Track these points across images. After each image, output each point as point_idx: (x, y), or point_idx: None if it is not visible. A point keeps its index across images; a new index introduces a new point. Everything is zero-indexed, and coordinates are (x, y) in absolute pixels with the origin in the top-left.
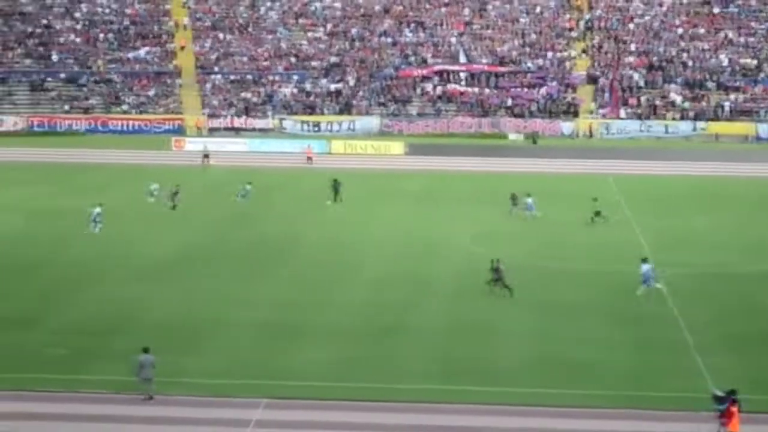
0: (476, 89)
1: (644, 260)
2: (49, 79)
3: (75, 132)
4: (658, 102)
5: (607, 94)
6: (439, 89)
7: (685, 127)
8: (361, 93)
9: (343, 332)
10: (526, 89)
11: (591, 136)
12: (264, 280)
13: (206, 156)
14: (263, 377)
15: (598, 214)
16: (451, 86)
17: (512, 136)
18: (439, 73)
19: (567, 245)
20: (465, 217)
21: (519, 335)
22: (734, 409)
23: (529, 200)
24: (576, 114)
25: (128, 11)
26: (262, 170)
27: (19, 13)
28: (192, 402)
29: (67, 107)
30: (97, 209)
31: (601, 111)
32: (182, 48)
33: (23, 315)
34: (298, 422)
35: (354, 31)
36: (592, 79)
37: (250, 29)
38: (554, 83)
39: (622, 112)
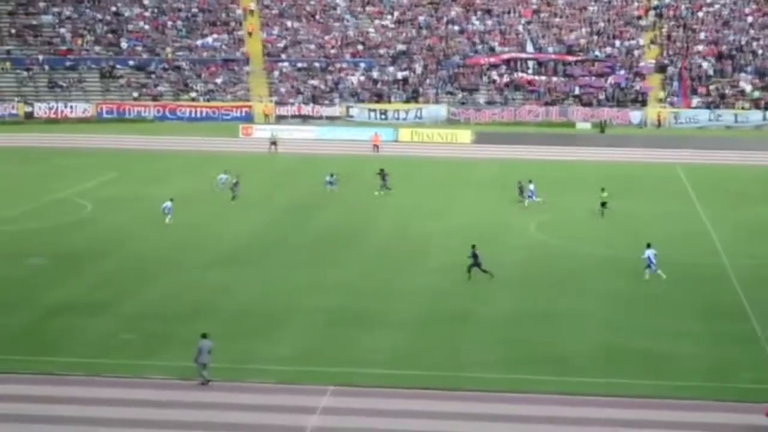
0: (544, 78)
1: (648, 246)
2: (119, 66)
3: (144, 119)
4: (727, 91)
5: (676, 83)
6: (506, 77)
7: (755, 116)
8: (428, 81)
9: (409, 320)
10: (594, 78)
11: (659, 125)
12: (333, 268)
13: (274, 143)
14: (331, 364)
15: (604, 204)
16: (519, 74)
17: (580, 125)
18: (507, 61)
19: (633, 234)
20: (532, 205)
21: (586, 324)
22: None
23: (531, 186)
24: (645, 103)
25: None
26: (329, 158)
27: (90, 0)
28: (260, 389)
29: (136, 94)
30: (168, 203)
31: (669, 100)
32: (250, 34)
33: (95, 301)
34: (364, 409)
35: (422, 18)
36: (661, 68)
37: (317, 17)
38: (623, 72)
39: (692, 101)
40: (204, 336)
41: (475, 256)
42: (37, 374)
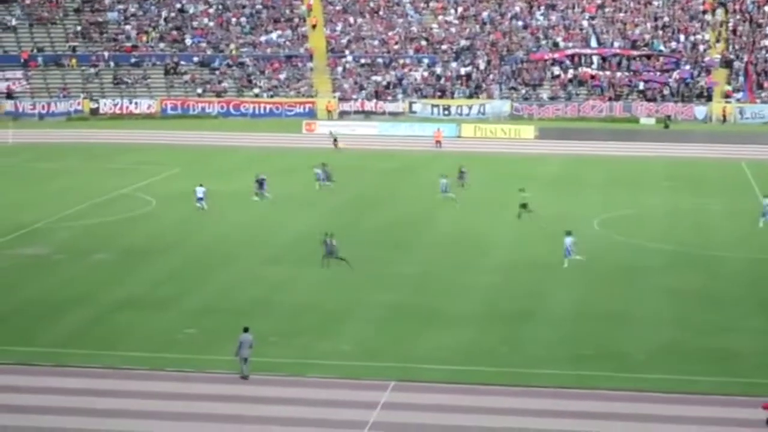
0: (608, 73)
1: (568, 233)
2: (183, 62)
3: (207, 115)
4: None
5: (741, 78)
6: (570, 73)
7: None
8: (491, 76)
9: (472, 316)
10: (658, 73)
11: (725, 120)
12: (395, 264)
13: (335, 140)
14: (392, 359)
15: (524, 206)
16: (582, 70)
17: (644, 120)
18: (571, 56)
19: (698, 230)
20: (595, 201)
21: (652, 321)
22: None
23: (444, 181)
24: (710, 98)
25: None
26: (391, 154)
27: None
28: (322, 383)
29: (199, 91)
30: (201, 189)
31: (735, 95)
32: (314, 27)
33: (157, 296)
34: (425, 405)
35: (485, 14)
36: (727, 63)
37: (381, 13)
38: (687, 66)
39: (758, 96)
40: (246, 330)
41: (326, 243)
42: (101, 368)
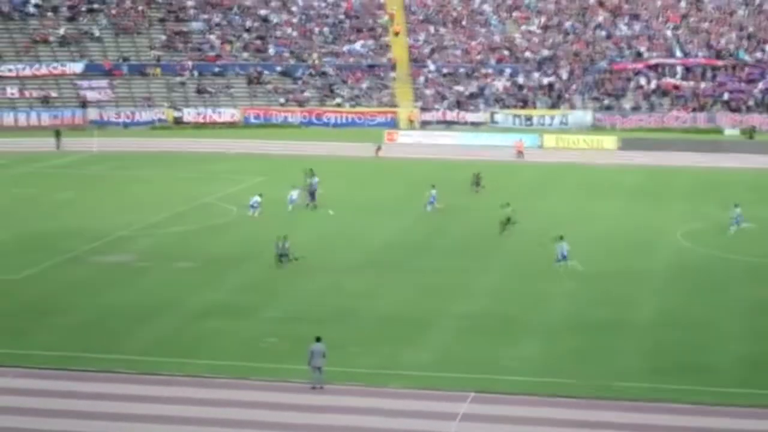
0: (692, 83)
1: (561, 238)
2: (266, 71)
3: (290, 124)
4: None
5: None
6: (653, 83)
7: None
8: (574, 86)
9: (552, 327)
10: (743, 83)
11: None
12: (478, 272)
13: (379, 148)
14: (473, 370)
15: (508, 221)
16: (666, 80)
17: (728, 131)
18: (654, 66)
19: None
20: (678, 212)
21: (734, 333)
22: None
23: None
24: None
25: (343, 4)
26: (473, 164)
27: (238, 6)
28: (402, 394)
29: (282, 100)
30: (257, 198)
31: None
32: (396, 34)
33: (240, 304)
34: (504, 417)
35: (568, 24)
36: None
37: (463, 22)
38: None
39: None
40: (318, 339)
41: (277, 246)
42: (184, 376)
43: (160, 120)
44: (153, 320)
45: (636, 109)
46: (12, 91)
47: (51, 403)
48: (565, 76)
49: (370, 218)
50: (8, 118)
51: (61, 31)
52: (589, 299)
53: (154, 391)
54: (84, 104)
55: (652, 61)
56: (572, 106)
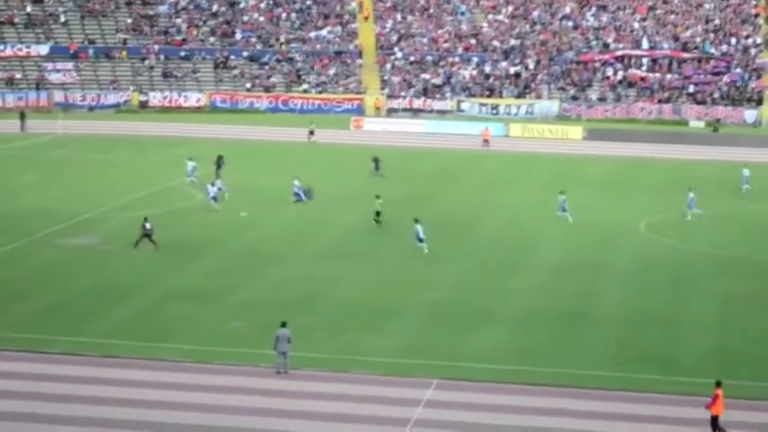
0: (658, 75)
1: (416, 221)
2: (232, 57)
3: (256, 110)
4: None
5: None
6: (620, 74)
7: None
8: (540, 76)
9: (518, 317)
10: (709, 75)
11: None
12: (443, 262)
13: (311, 132)
14: (437, 358)
15: (379, 214)
16: (632, 71)
17: (693, 123)
18: (621, 57)
19: (745, 235)
20: (642, 204)
21: (699, 326)
22: None
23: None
24: (760, 102)
25: None
26: (439, 152)
27: None
28: (366, 380)
29: (248, 85)
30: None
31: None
32: (366, 18)
33: (207, 290)
34: (468, 404)
35: (535, 14)
36: None
37: (431, 10)
38: (738, 70)
39: None
40: (283, 324)
41: (143, 227)
42: (148, 360)
43: (125, 103)
44: (119, 304)
45: (602, 100)
46: None
47: (17, 385)
48: (531, 65)
49: (338, 205)
50: None
51: (27, 11)
52: (555, 291)
53: (119, 374)
54: (38, 85)
55: (619, 53)
56: (539, 96)
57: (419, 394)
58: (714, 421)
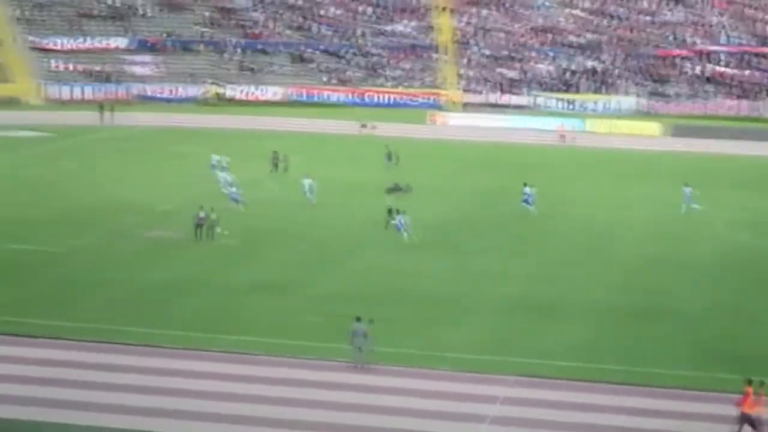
0: (737, 70)
1: (398, 212)
2: (310, 50)
3: (333, 103)
4: None
5: None
6: (698, 70)
7: None
8: (618, 72)
9: (595, 312)
10: None
11: None
12: (520, 256)
13: (364, 126)
14: (515, 354)
15: (390, 212)
16: (711, 67)
17: None
18: (700, 53)
19: None
20: (721, 200)
21: None
22: None
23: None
24: None
25: None
26: (515, 147)
27: None
28: (443, 376)
29: (325, 79)
30: (309, 181)
31: None
32: (444, 9)
33: (283, 281)
34: (545, 401)
35: (613, 8)
36: None
37: (508, 5)
38: None
39: None
40: (358, 319)
41: (197, 216)
42: (223, 352)
43: (204, 96)
44: (194, 295)
45: (680, 95)
46: (58, 64)
47: (93, 375)
48: (609, 60)
49: (419, 198)
50: (54, 92)
51: (108, 4)
52: (633, 286)
53: (193, 366)
54: (109, 78)
55: (698, 48)
56: (616, 92)
57: (497, 391)
58: (744, 418)
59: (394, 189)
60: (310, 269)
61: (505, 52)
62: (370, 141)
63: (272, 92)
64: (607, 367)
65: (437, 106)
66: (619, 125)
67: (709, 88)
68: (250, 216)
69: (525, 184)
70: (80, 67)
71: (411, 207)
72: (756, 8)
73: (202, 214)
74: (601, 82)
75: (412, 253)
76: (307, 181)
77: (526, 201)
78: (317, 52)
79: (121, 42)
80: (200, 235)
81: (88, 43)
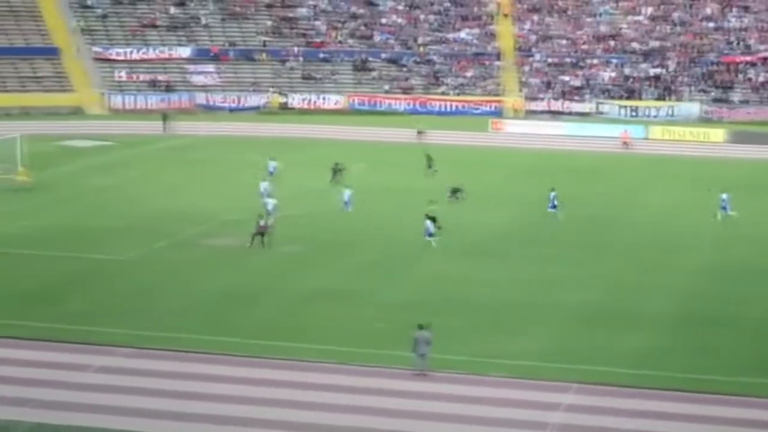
0: None
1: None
2: (371, 58)
3: (394, 111)
4: None
5: None
6: (763, 76)
7: None
8: (681, 78)
9: (662, 320)
10: None
11: None
12: (585, 263)
13: (420, 132)
14: (576, 361)
15: (434, 219)
16: None
17: None
18: (764, 59)
19: None
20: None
21: None
22: None
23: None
24: None
25: None
26: (578, 154)
27: None
28: (505, 383)
29: (387, 87)
30: (348, 191)
31: None
32: (505, 15)
33: (348, 289)
34: (608, 408)
35: (677, 15)
36: None
37: (570, 12)
38: None
39: None
40: (421, 327)
41: (258, 224)
42: (289, 360)
43: (265, 105)
44: (259, 303)
45: (745, 102)
46: (121, 74)
47: (159, 383)
48: (672, 67)
49: (480, 205)
50: (117, 101)
51: (170, 14)
52: (699, 294)
53: (258, 374)
54: (168, 87)
55: (762, 54)
56: (679, 98)
57: (558, 398)
58: None
59: (454, 191)
60: (371, 277)
61: (567, 59)
62: (419, 149)
63: (333, 101)
64: (672, 374)
65: (499, 114)
66: (682, 132)
67: None
68: (311, 224)
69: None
70: (143, 77)
71: (472, 214)
72: None
73: (262, 223)
74: (664, 89)
75: (473, 260)
76: (347, 192)
77: (553, 206)
78: (378, 60)
79: (183, 51)
80: (260, 243)
81: (151, 53)
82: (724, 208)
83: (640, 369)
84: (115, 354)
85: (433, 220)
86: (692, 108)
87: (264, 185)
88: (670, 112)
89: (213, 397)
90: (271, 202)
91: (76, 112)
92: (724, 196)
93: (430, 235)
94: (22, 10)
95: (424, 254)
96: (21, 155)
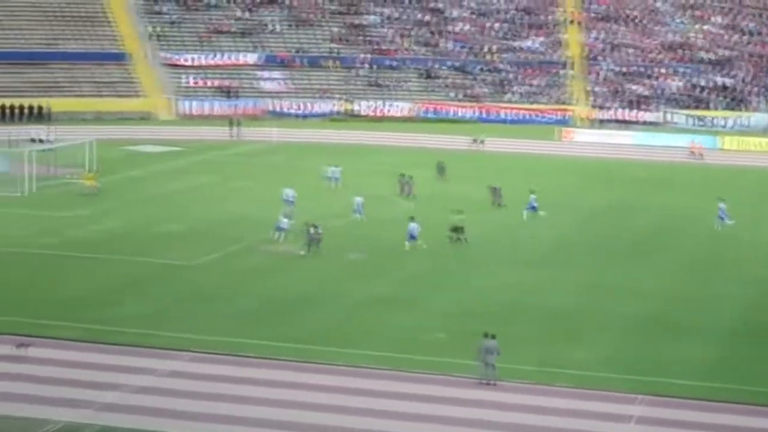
0: None
1: (411, 219)
2: (438, 66)
3: (462, 119)
4: None
5: None
6: None
7: None
8: (750, 88)
9: (723, 330)
10: None
11: None
12: (647, 272)
13: (477, 141)
14: (640, 372)
15: (456, 230)
16: None
17: None
18: None
19: None
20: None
21: None
22: None
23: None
24: None
25: (519, 0)
26: (647, 164)
27: (413, 1)
28: (569, 393)
29: (453, 95)
30: (359, 199)
31: None
32: (572, 22)
33: (407, 296)
34: (678, 421)
35: (746, 24)
36: None
37: (639, 20)
38: None
39: None
40: (487, 335)
41: (308, 232)
42: (346, 366)
43: (335, 112)
44: (318, 309)
45: None
46: (189, 80)
47: (219, 387)
48: (744, 77)
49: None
50: (185, 107)
51: (239, 21)
52: (761, 304)
53: (318, 380)
54: (229, 94)
55: None
56: (748, 108)
57: (627, 410)
58: None
59: (455, 230)
60: (431, 284)
61: (635, 68)
62: (480, 157)
63: (400, 108)
64: (734, 387)
65: (565, 122)
66: (752, 142)
67: None
68: (371, 231)
69: (531, 192)
70: (210, 83)
71: (538, 223)
72: None
73: (311, 230)
74: (733, 98)
75: (535, 269)
76: (358, 199)
77: (532, 208)
78: (445, 68)
79: (251, 58)
80: (315, 250)
81: (219, 59)
82: (721, 217)
83: (703, 381)
84: (174, 358)
85: (460, 230)
86: (764, 118)
87: (289, 192)
88: (738, 122)
89: (269, 401)
90: (285, 222)
91: (146, 118)
92: (722, 205)
93: (412, 237)
94: (95, 16)
95: (483, 262)
96: (91, 160)
